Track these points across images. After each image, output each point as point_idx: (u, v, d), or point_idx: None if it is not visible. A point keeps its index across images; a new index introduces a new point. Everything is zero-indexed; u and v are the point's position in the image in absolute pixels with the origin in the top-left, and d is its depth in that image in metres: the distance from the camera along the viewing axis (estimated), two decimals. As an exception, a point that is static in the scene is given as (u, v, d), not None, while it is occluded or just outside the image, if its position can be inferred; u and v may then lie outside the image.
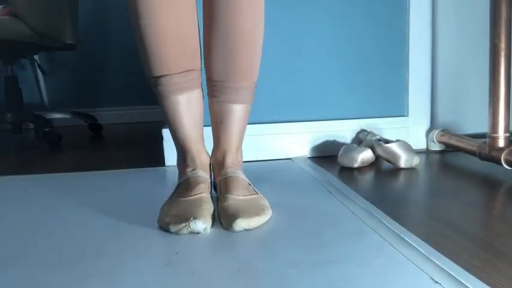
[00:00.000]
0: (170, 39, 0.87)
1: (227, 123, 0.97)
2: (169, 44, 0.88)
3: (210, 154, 1.02)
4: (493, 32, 1.16)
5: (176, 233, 0.82)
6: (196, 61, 0.93)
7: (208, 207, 0.87)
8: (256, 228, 0.84)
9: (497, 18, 1.15)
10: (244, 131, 1.01)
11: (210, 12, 0.92)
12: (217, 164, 0.99)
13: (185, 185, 0.91)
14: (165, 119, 0.97)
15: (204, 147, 0.99)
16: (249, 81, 0.97)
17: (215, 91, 0.96)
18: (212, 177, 1.01)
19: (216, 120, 0.98)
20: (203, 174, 0.94)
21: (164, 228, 0.84)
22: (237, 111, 0.96)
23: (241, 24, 0.91)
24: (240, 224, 0.82)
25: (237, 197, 0.89)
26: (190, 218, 0.81)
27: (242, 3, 0.90)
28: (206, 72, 0.98)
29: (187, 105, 0.93)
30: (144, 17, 0.85)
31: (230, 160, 0.98)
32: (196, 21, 0.92)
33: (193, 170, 0.94)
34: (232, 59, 0.93)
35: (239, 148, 1.01)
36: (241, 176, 0.96)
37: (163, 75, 0.89)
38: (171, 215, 0.84)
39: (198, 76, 0.94)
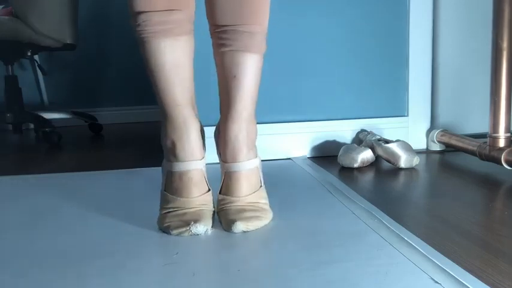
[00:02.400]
0: None
1: (242, 77, 0.83)
2: None
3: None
4: (496, 31, 1.16)
5: (177, 235, 0.81)
6: (184, 1, 0.81)
7: (209, 208, 0.86)
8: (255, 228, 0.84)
9: (500, 18, 1.15)
10: (257, 93, 0.87)
11: None
12: (226, 139, 0.86)
13: (180, 180, 0.84)
14: (148, 74, 0.83)
15: (193, 112, 0.85)
16: (263, 25, 0.85)
17: (225, 38, 0.84)
18: (217, 146, 0.92)
19: (227, 76, 0.85)
20: (196, 164, 0.84)
21: (164, 231, 0.83)
22: (254, 62, 0.84)
23: None
24: (239, 227, 0.82)
25: (238, 198, 0.87)
26: (191, 221, 0.81)
27: None
28: (210, 18, 0.86)
29: (172, 55, 0.80)
30: None
31: (242, 138, 0.85)
32: None
33: (184, 161, 0.83)
34: None
35: (253, 114, 0.87)
36: (249, 166, 0.87)
37: (143, 12, 0.78)
38: (171, 218, 0.83)
39: (186, 19, 0.81)
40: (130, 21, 0.81)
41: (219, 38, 0.85)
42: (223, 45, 0.84)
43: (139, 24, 0.79)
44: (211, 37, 0.88)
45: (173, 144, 0.84)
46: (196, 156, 0.85)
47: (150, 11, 0.78)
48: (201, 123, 0.88)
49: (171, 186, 0.86)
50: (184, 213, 0.83)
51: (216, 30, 0.85)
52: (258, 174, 0.91)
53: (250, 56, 0.84)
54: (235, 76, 0.84)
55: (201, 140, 0.87)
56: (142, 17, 0.78)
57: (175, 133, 0.84)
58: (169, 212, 0.85)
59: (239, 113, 0.86)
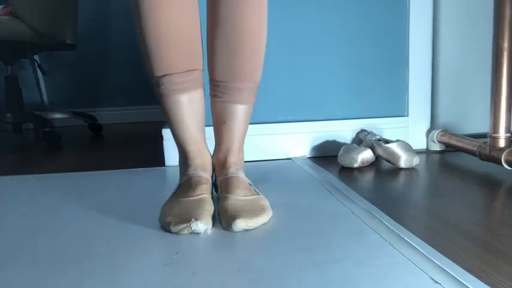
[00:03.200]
0: (172, 39, 0.88)
1: (230, 123, 0.97)
2: (171, 44, 0.88)
3: (211, 154, 1.02)
4: (496, 31, 1.16)
5: (177, 233, 0.82)
6: (198, 61, 0.93)
7: (209, 208, 0.87)
8: (256, 228, 0.84)
9: (500, 18, 1.15)
10: (246, 131, 1.01)
11: (214, 13, 0.92)
12: (219, 163, 0.99)
13: (186, 185, 0.91)
14: (166, 119, 0.97)
15: (206, 147, 0.99)
16: (252, 81, 0.97)
17: (218, 91, 0.97)
18: (214, 177, 1.01)
19: (219, 120, 0.99)
20: (204, 174, 0.94)
21: (165, 228, 0.84)
22: (240, 111, 0.97)
23: (245, 26, 0.92)
24: (240, 225, 0.82)
25: (238, 197, 0.89)
26: (191, 219, 0.81)
27: (246, 4, 0.91)
28: (209, 73, 0.98)
29: (189, 105, 0.93)
30: (147, 17, 0.86)
31: (232, 160, 0.98)
32: (198, 21, 0.92)
33: (194, 170, 0.94)
34: (236, 60, 0.94)
35: (241, 148, 1.02)
36: (243, 176, 0.96)
37: (165, 75, 0.89)
38: (172, 216, 0.84)
39: (200, 76, 0.94)
40: (151, 80, 0.92)
41: (214, 90, 0.98)
42: (216, 96, 0.97)
43: (162, 84, 0.90)
44: (209, 87, 0.99)
45: (189, 165, 0.96)
46: (207, 171, 0.97)
47: (171, 73, 0.89)
48: (210, 154, 1.00)
49: (181, 191, 0.92)
50: (186, 212, 0.84)
51: (212, 83, 0.98)
52: (253, 189, 0.95)
53: (239, 107, 0.96)
54: (225, 122, 0.98)
55: (211, 168, 0.99)
56: (165, 79, 0.90)
57: (190, 160, 0.96)
58: (171, 209, 0.87)
59: (229, 148, 0.99)
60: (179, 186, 0.94)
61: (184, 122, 0.93)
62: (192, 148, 0.96)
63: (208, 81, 0.99)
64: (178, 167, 1.01)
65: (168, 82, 0.90)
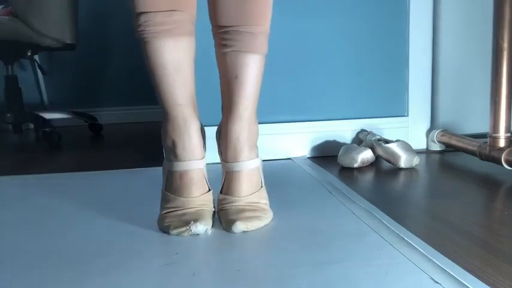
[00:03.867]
0: None
1: (243, 78, 0.84)
2: None
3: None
4: (496, 31, 1.16)
5: (176, 235, 0.81)
6: (186, 2, 0.81)
7: (209, 208, 0.86)
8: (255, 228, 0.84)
9: (500, 18, 1.15)
10: (259, 93, 0.87)
11: None
12: (229, 139, 0.87)
13: (178, 180, 0.85)
14: (149, 74, 0.84)
15: (195, 114, 0.85)
16: (265, 25, 0.85)
17: (227, 39, 0.84)
18: (218, 148, 0.92)
19: (229, 76, 0.85)
20: (195, 163, 0.84)
21: (164, 231, 0.83)
22: (255, 62, 0.84)
23: None
24: (239, 227, 0.82)
25: (238, 198, 0.88)
26: (191, 221, 0.81)
27: None
28: (212, 19, 0.86)
29: (173, 55, 0.80)
30: None
31: (243, 138, 0.86)
32: None
33: (184, 160, 0.84)
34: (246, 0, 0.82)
35: (254, 113, 0.88)
36: (250, 166, 0.87)
37: (145, 12, 0.78)
38: (171, 218, 0.84)
39: (188, 20, 0.82)
40: (132, 22, 0.82)
41: (221, 38, 0.85)
42: (225, 45, 0.85)
43: (141, 25, 0.79)
44: (214, 38, 0.88)
45: (174, 144, 0.85)
46: (196, 156, 0.85)
47: (151, 11, 0.78)
48: (201, 124, 0.89)
49: (172, 186, 0.86)
50: (184, 213, 0.84)
51: (219, 31, 0.86)
52: (259, 174, 0.91)
53: (252, 57, 0.84)
54: (237, 77, 0.84)
55: (202, 140, 0.88)
56: (144, 17, 0.79)
57: (175, 133, 0.84)
58: (170, 211, 0.85)
59: (241, 114, 0.86)
60: (167, 177, 0.86)
61: (168, 75, 0.81)
62: (177, 113, 0.83)
63: (211, 32, 0.88)
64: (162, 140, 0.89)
65: (147, 22, 0.78)
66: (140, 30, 0.80)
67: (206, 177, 0.87)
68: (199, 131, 0.87)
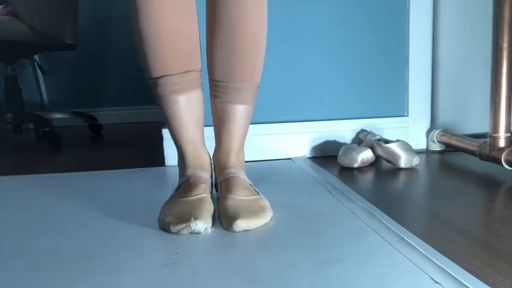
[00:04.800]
0: (169, 39, 0.87)
1: (230, 124, 0.97)
2: (168, 44, 0.87)
3: (210, 154, 1.01)
4: (496, 31, 1.16)
5: (176, 233, 0.82)
6: (196, 61, 0.93)
7: (209, 208, 0.87)
8: (256, 228, 0.84)
9: (500, 18, 1.15)
10: (247, 131, 1.01)
11: (214, 13, 0.92)
12: (219, 164, 0.99)
13: (185, 185, 0.91)
14: (164, 119, 0.97)
15: (205, 147, 0.99)
16: (252, 81, 0.96)
17: (218, 91, 0.96)
18: (213, 177, 1.01)
19: (219, 121, 0.98)
20: (203, 174, 0.94)
21: (164, 228, 0.84)
22: (240, 111, 0.96)
23: (245, 27, 0.91)
24: (240, 225, 0.82)
25: (238, 197, 0.89)
26: (191, 218, 0.81)
27: (246, 5, 0.90)
28: (209, 73, 0.98)
29: (187, 106, 0.92)
30: (144, 18, 0.85)
31: (232, 161, 0.98)
32: (196, 21, 0.92)
33: (192, 170, 0.94)
34: (236, 60, 0.93)
35: (241, 148, 1.01)
36: (243, 176, 0.96)
37: (163, 76, 0.89)
38: (172, 215, 0.84)
39: (198, 76, 0.94)
40: (148, 81, 0.91)
41: (214, 90, 0.97)
42: (216, 96, 0.97)
43: (159, 85, 0.90)
44: (209, 87, 0.99)
45: (186, 171, 0.95)
46: (205, 169, 0.97)
47: (168, 75, 0.89)
48: (209, 154, 1.00)
49: (178, 191, 0.92)
50: (185, 212, 0.84)
51: (212, 83, 0.98)
52: (253, 189, 0.95)
53: (239, 107, 0.96)
54: (224, 122, 0.97)
55: (210, 166, 1.00)
56: (161, 80, 0.89)
57: (189, 164, 0.95)
58: (170, 210, 0.86)
59: (229, 149, 0.99)
60: (178, 186, 0.94)
61: (182, 122, 0.93)
62: (190, 148, 0.95)
63: (208, 82, 0.99)
64: (178, 167, 1.01)
65: (165, 83, 0.89)
66: (159, 89, 0.91)
67: (209, 184, 0.95)
68: (209, 161, 1.00)
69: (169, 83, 0.90)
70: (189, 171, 0.94)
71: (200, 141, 0.97)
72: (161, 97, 0.92)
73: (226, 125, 0.97)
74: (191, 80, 0.92)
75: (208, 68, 0.98)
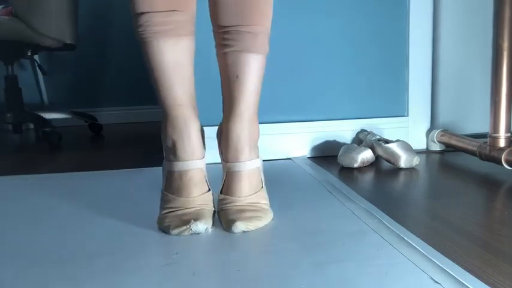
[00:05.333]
0: None
1: (244, 78, 0.84)
2: None
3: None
4: (496, 31, 1.16)
5: (177, 235, 0.81)
6: (185, 2, 0.81)
7: (209, 208, 0.86)
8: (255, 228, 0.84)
9: (500, 18, 1.15)
10: (260, 92, 0.87)
11: None
12: (229, 139, 0.87)
13: (178, 180, 0.85)
14: (149, 74, 0.83)
15: (195, 114, 0.85)
16: (266, 25, 0.85)
17: (228, 39, 0.84)
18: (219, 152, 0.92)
19: (229, 76, 0.85)
20: (194, 163, 0.84)
21: (164, 231, 0.83)
22: (256, 62, 0.84)
23: None
24: (239, 227, 0.82)
25: (238, 198, 0.88)
26: (191, 220, 0.81)
27: None
28: (213, 19, 0.86)
29: (173, 55, 0.80)
30: None
31: (244, 138, 0.86)
32: None
33: (182, 158, 0.83)
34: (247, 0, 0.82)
35: (255, 115, 0.88)
36: (251, 166, 0.87)
37: (145, 13, 0.78)
38: (171, 218, 0.83)
39: (188, 20, 0.81)
40: (132, 22, 0.82)
41: (222, 38, 0.85)
42: (226, 45, 0.85)
43: (140, 25, 0.79)
44: (215, 38, 0.88)
45: (173, 144, 0.85)
46: (196, 156, 0.85)
47: (151, 11, 0.78)
48: (200, 123, 0.89)
49: (171, 186, 0.86)
50: (184, 213, 0.84)
51: (220, 30, 0.86)
52: (259, 174, 0.91)
53: (253, 57, 0.84)
54: (237, 76, 0.84)
55: (201, 140, 0.87)
56: (144, 17, 0.79)
57: (175, 133, 0.84)
58: (170, 212, 0.85)
59: (241, 114, 0.86)
60: (167, 178, 0.86)
61: (168, 75, 0.80)
62: (177, 113, 0.83)
63: (212, 32, 0.88)
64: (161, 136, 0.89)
65: (146, 23, 0.78)
66: (140, 30, 0.80)
67: (206, 177, 0.87)
68: (199, 131, 0.87)
69: (151, 22, 0.78)
70: (180, 162, 0.83)
71: (188, 104, 0.83)
72: (144, 42, 0.80)
73: (240, 80, 0.84)
74: (179, 21, 0.80)
75: (212, 13, 0.86)
